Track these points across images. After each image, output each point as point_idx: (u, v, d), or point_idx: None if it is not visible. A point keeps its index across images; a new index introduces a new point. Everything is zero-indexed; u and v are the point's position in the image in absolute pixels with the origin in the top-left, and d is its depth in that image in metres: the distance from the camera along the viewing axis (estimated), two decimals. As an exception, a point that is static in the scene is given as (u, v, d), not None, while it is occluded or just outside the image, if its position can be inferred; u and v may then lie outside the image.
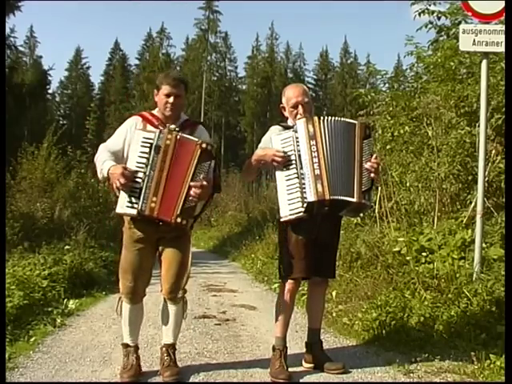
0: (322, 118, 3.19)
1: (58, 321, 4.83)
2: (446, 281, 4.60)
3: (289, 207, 3.13)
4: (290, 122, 3.39)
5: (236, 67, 59.65)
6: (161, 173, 3.05)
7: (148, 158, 3.06)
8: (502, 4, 4.61)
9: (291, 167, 3.16)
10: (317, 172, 3.09)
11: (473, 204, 5.59)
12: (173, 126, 3.15)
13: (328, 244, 3.40)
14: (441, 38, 7.40)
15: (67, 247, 8.01)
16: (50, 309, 5.27)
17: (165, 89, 3.21)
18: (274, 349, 3.36)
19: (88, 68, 60.35)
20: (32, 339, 4.16)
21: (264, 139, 3.41)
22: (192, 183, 3.05)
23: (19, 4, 14.03)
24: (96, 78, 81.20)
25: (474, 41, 4.77)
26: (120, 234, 3.40)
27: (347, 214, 3.43)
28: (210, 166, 3.15)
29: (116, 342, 4.17)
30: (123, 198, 3.07)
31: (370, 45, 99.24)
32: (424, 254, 5.30)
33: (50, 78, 28.26)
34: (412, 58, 7.68)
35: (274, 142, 3.25)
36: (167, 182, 3.05)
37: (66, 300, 5.71)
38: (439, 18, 7.17)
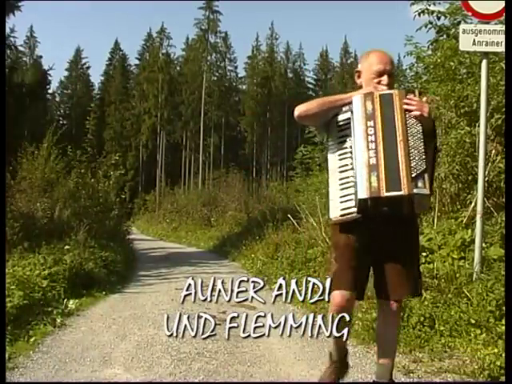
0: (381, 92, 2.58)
1: (58, 321, 4.83)
2: (445, 281, 4.60)
3: (340, 206, 2.54)
4: None
5: (236, 67, 59.64)
6: None
7: None
8: (502, 4, 4.61)
9: (347, 156, 2.57)
10: (372, 161, 2.46)
11: (473, 204, 5.58)
12: None
13: (391, 254, 2.59)
14: (441, 38, 7.39)
15: (67, 247, 7.98)
16: (50, 309, 5.26)
17: None
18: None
19: (88, 68, 60.47)
20: (32, 339, 4.16)
21: None
22: None
23: (19, 4, 13.98)
24: (96, 78, 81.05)
25: (474, 41, 4.76)
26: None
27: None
28: None
29: (116, 342, 4.18)
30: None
31: (370, 45, 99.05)
32: (424, 253, 5.28)
33: (49, 78, 28.32)
34: (412, 58, 7.67)
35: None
36: None
37: (65, 300, 5.70)
38: (439, 18, 7.15)
